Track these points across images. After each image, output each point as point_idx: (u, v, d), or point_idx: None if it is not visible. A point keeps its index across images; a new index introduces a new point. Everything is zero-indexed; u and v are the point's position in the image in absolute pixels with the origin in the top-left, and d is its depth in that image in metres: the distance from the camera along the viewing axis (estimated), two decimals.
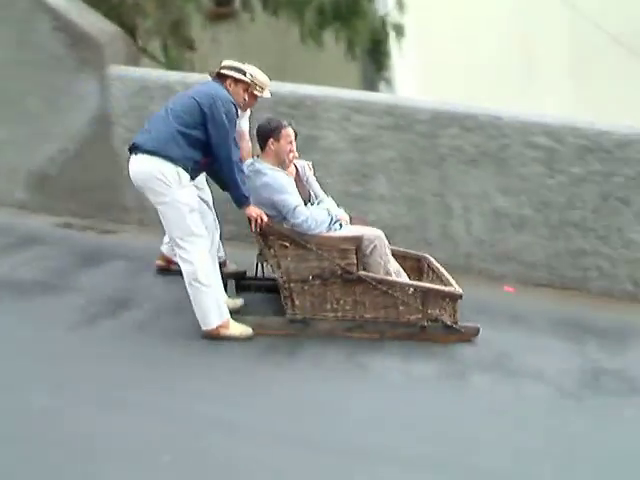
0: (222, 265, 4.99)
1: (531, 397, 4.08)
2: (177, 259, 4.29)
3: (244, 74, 4.41)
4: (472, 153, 6.06)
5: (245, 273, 5.10)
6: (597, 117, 6.23)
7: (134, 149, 4.21)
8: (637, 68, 7.98)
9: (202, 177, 4.73)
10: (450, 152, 6.10)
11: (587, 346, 4.86)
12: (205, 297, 4.22)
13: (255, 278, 4.89)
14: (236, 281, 5.04)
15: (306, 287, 4.37)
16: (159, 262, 5.29)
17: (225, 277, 4.75)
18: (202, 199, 4.71)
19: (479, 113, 6.08)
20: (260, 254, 4.62)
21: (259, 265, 4.78)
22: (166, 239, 4.92)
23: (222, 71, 4.41)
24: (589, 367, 4.50)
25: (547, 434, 3.63)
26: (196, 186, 4.50)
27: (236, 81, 4.38)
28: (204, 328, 4.28)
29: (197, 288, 4.19)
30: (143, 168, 4.16)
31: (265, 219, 4.27)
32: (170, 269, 5.13)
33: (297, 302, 4.39)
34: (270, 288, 4.80)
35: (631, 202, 5.87)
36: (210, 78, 4.48)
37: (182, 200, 4.15)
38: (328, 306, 4.42)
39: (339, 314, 4.44)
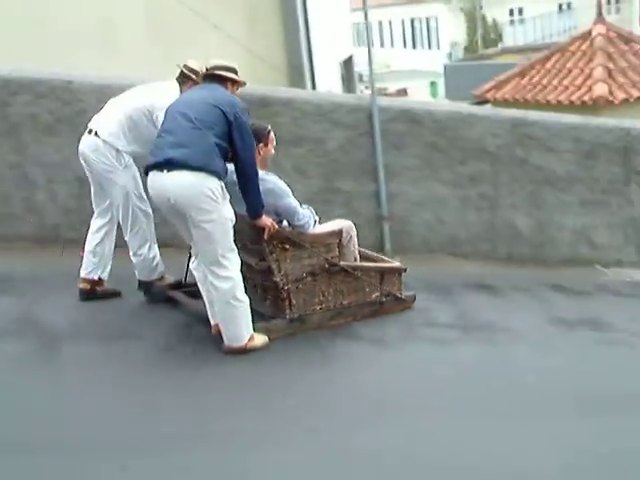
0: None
1: None
2: (210, 279, 4.00)
3: (237, 73, 4.19)
4: (48, 120, 5.89)
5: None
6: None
7: (167, 165, 3.82)
8: (201, 28, 8.39)
9: None
10: (24, 120, 5.85)
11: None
12: (240, 314, 4.05)
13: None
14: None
15: (300, 285, 4.45)
16: (84, 285, 4.89)
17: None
18: None
19: (51, 78, 5.92)
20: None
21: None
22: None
23: (220, 72, 4.15)
24: None
25: None
26: None
27: (233, 82, 4.17)
28: (235, 344, 4.09)
29: (234, 306, 4.01)
30: (189, 185, 3.79)
31: (276, 227, 4.23)
32: (96, 292, 4.87)
33: (294, 301, 4.43)
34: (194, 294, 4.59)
35: None
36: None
37: (227, 215, 3.93)
38: (316, 300, 4.56)
39: (323, 305, 4.60)
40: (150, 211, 4.72)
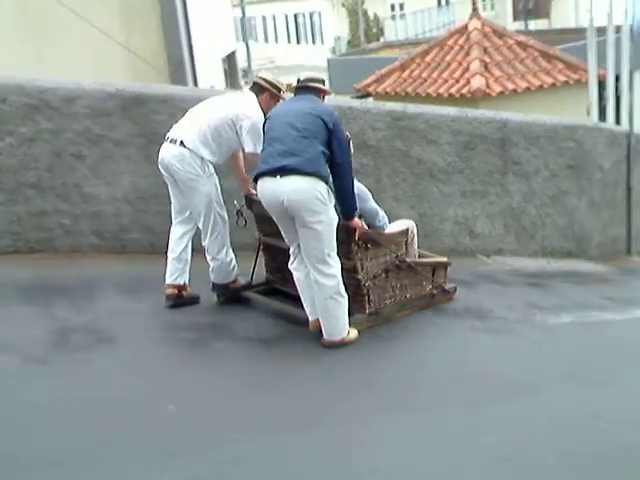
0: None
1: None
2: (315, 276, 4.31)
3: (324, 83, 4.70)
4: None
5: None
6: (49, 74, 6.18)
7: (280, 171, 4.13)
8: (78, 27, 8.09)
9: None
10: None
11: (54, 307, 4.81)
12: (343, 308, 4.39)
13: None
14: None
15: (376, 282, 4.81)
16: (171, 291, 4.99)
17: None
18: None
19: None
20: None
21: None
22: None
23: (314, 85, 4.55)
24: (58, 328, 4.50)
25: (17, 406, 3.56)
26: None
27: (325, 93, 4.63)
28: (336, 338, 4.42)
29: (338, 301, 4.35)
30: (302, 190, 4.12)
31: (366, 228, 4.62)
32: (182, 297, 5.05)
33: (372, 297, 4.80)
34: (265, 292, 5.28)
35: (84, 157, 5.98)
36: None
37: (334, 217, 4.28)
38: (387, 294, 4.95)
39: (393, 299, 5.00)
40: (226, 217, 4.94)
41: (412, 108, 7.38)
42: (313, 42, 38.74)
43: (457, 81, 12.81)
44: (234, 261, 5.02)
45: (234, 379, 4.08)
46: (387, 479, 3.08)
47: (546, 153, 7.53)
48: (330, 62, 22.47)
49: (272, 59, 35.34)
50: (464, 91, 12.33)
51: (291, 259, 4.54)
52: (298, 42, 39.82)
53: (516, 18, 32.46)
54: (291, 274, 4.59)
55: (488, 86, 12.32)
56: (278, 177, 4.15)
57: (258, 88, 4.86)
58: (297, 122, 4.22)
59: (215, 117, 4.72)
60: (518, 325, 5.24)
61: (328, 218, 4.23)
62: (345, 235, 4.48)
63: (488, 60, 13.08)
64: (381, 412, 3.70)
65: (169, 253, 4.95)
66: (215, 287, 5.08)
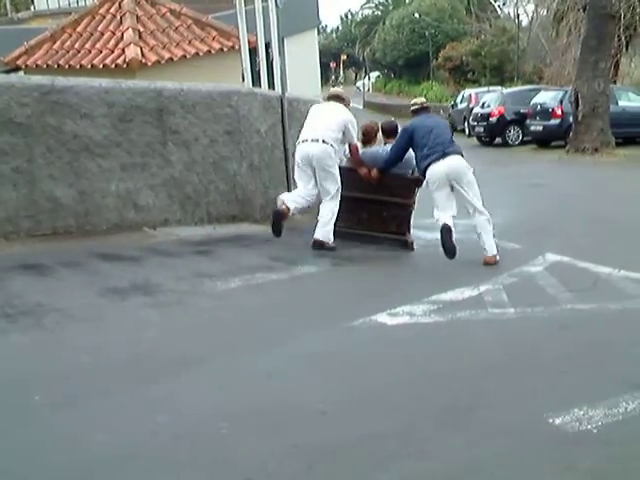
0: None
1: None
2: (482, 219, 6.65)
3: None
4: None
5: None
6: None
7: (448, 154, 6.57)
8: None
9: None
10: None
11: None
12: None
13: None
14: None
15: None
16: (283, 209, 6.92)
17: None
18: None
19: None
20: None
21: None
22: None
23: (428, 105, 7.53)
24: None
25: None
26: None
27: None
28: (492, 253, 6.59)
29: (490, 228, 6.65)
30: (462, 164, 6.64)
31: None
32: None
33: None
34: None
35: None
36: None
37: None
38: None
39: None
40: None
41: (61, 81, 6.92)
42: None
43: (112, 51, 12.33)
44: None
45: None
46: None
47: (203, 120, 7.56)
48: None
49: None
50: (119, 61, 11.91)
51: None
52: None
53: None
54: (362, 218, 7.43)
55: (144, 55, 12.03)
56: (447, 158, 6.55)
57: (336, 99, 7.20)
58: (437, 129, 6.80)
59: (337, 121, 6.83)
60: (187, 296, 5.19)
61: (473, 178, 6.80)
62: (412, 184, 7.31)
63: (142, 29, 12.77)
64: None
65: (297, 193, 7.02)
66: (314, 244, 6.86)
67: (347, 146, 7.09)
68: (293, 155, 8.12)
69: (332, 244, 6.79)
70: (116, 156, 7.01)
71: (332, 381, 3.84)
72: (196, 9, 14.75)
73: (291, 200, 6.83)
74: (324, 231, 6.73)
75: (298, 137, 6.99)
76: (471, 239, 6.71)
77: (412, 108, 7.04)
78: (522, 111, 21.07)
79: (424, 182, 6.82)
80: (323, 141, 6.62)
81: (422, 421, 3.38)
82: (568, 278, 5.89)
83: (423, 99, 7.50)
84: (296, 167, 6.89)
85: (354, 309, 4.98)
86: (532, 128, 20.38)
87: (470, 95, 27.59)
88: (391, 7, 60.65)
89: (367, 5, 66.24)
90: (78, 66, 12.14)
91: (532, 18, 41.32)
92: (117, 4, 13.44)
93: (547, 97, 20.92)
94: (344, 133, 6.79)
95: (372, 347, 4.36)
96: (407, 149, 6.87)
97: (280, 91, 9.12)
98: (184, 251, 6.56)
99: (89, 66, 12.02)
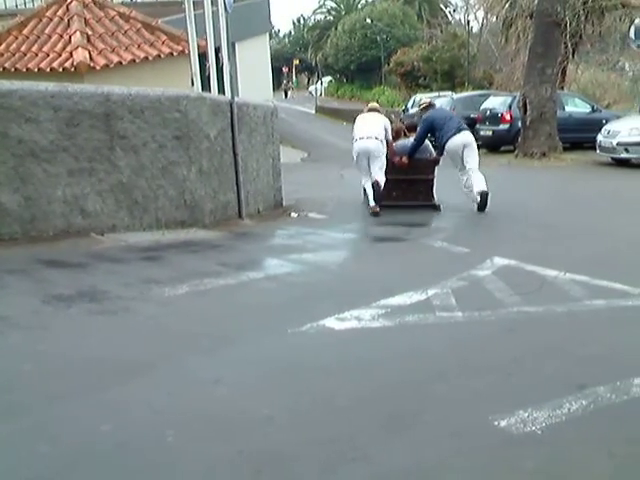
0: None
1: None
2: (480, 175, 9.74)
3: None
4: None
5: None
6: None
7: (463, 129, 9.84)
8: None
9: None
10: None
11: None
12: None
13: None
14: None
15: None
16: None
17: None
18: None
19: None
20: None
21: None
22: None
23: (434, 102, 11.56)
24: None
25: None
26: None
27: None
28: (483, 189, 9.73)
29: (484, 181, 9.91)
30: (472, 136, 10.02)
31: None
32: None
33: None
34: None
35: None
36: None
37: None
38: None
39: None
40: None
41: (5, 85, 6.82)
42: None
43: (59, 55, 12.17)
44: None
45: None
46: None
47: (152, 125, 7.49)
48: None
49: None
50: (67, 65, 11.75)
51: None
52: None
53: None
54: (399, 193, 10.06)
55: (92, 59, 11.90)
56: (462, 132, 9.76)
57: (376, 110, 10.26)
58: (449, 116, 10.30)
59: (380, 124, 9.73)
60: (134, 302, 5.13)
61: (476, 148, 10.15)
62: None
63: (90, 32, 12.64)
64: None
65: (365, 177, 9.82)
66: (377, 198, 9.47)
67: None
68: (243, 160, 8.10)
69: (378, 210, 9.49)
70: (63, 161, 6.91)
71: (278, 387, 3.82)
72: (146, 13, 14.63)
73: (367, 184, 9.73)
74: (380, 175, 9.62)
75: (353, 136, 9.79)
76: (419, 244, 6.76)
77: (422, 106, 10.54)
78: (472, 116, 21.29)
79: (440, 160, 10.07)
80: (375, 137, 9.49)
81: (368, 426, 3.39)
82: (515, 281, 5.95)
83: (428, 99, 12.12)
84: (355, 157, 9.75)
85: (302, 314, 4.97)
86: (482, 133, 20.64)
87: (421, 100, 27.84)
88: (343, 12, 60.98)
89: (319, 10, 66.53)
90: (24, 69, 11.94)
91: (482, 24, 41.95)
92: (65, 6, 13.27)
93: (496, 102, 21.26)
94: (386, 131, 9.70)
95: (319, 352, 4.35)
96: (427, 134, 9.98)
97: (230, 96, 9.08)
98: (132, 257, 6.48)
99: (36, 69, 11.84)
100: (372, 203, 9.50)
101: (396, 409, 3.56)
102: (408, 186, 10.00)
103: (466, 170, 9.75)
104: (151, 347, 4.36)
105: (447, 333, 4.76)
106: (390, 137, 9.86)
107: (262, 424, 3.38)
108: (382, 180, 9.57)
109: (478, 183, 9.60)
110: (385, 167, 9.59)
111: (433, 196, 10.14)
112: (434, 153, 10.25)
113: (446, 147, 9.71)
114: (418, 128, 10.06)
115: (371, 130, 9.60)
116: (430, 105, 10.36)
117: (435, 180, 10.09)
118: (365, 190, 9.81)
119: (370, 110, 10.23)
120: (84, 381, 3.82)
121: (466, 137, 9.79)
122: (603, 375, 3.96)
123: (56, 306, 4.96)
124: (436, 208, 9.95)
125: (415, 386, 3.86)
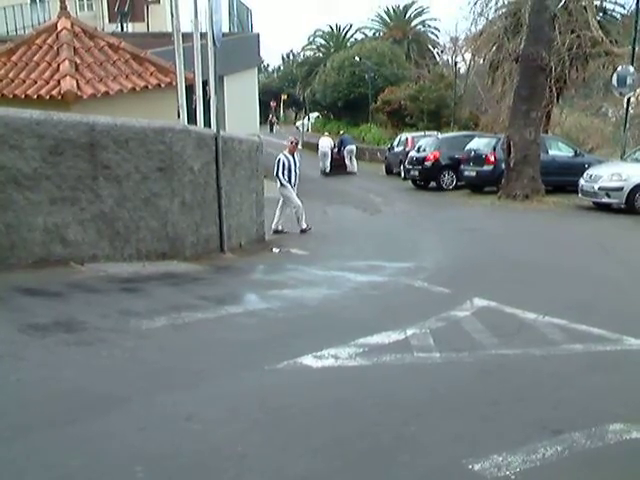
0: None
1: None
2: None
3: None
4: None
5: None
6: None
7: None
8: None
9: None
10: None
11: None
12: None
13: None
14: None
15: None
16: None
17: None
18: None
19: None
20: None
21: None
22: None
23: None
24: None
25: None
26: None
27: None
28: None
29: None
30: None
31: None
32: None
33: None
34: None
35: None
36: None
37: None
38: None
39: None
40: None
41: None
42: None
43: (47, 82, 12.17)
44: None
45: None
46: None
47: (136, 156, 7.49)
48: None
49: None
50: (54, 93, 11.76)
51: None
52: None
53: (112, 20, 32.13)
54: None
55: (79, 88, 11.91)
56: None
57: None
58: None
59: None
60: (112, 334, 5.09)
61: None
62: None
63: (79, 61, 12.66)
64: None
65: None
66: None
67: None
68: (226, 194, 8.11)
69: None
70: (45, 189, 6.89)
71: (252, 424, 3.78)
72: (136, 44, 14.71)
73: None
74: None
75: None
76: (399, 283, 6.76)
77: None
78: (457, 156, 21.51)
79: None
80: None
81: (343, 467, 3.35)
82: (494, 323, 5.96)
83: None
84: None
85: (279, 351, 4.94)
86: (466, 173, 20.83)
87: (407, 139, 28.12)
88: (332, 49, 61.65)
89: (309, 47, 67.26)
90: (11, 95, 11.94)
91: (469, 66, 42.52)
92: (54, 35, 13.31)
93: (481, 143, 21.49)
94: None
95: (295, 390, 4.32)
96: None
97: (215, 129, 9.12)
98: (111, 288, 6.44)
99: (23, 96, 11.83)
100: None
101: (371, 450, 3.53)
102: None
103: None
104: (126, 380, 4.30)
105: (424, 374, 4.75)
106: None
107: (235, 462, 3.34)
108: None
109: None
110: None
111: None
112: None
113: None
114: None
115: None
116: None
117: None
118: None
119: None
120: (55, 413, 3.76)
121: None
122: (579, 420, 3.96)
123: (32, 335, 4.91)
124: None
125: (390, 427, 3.83)
